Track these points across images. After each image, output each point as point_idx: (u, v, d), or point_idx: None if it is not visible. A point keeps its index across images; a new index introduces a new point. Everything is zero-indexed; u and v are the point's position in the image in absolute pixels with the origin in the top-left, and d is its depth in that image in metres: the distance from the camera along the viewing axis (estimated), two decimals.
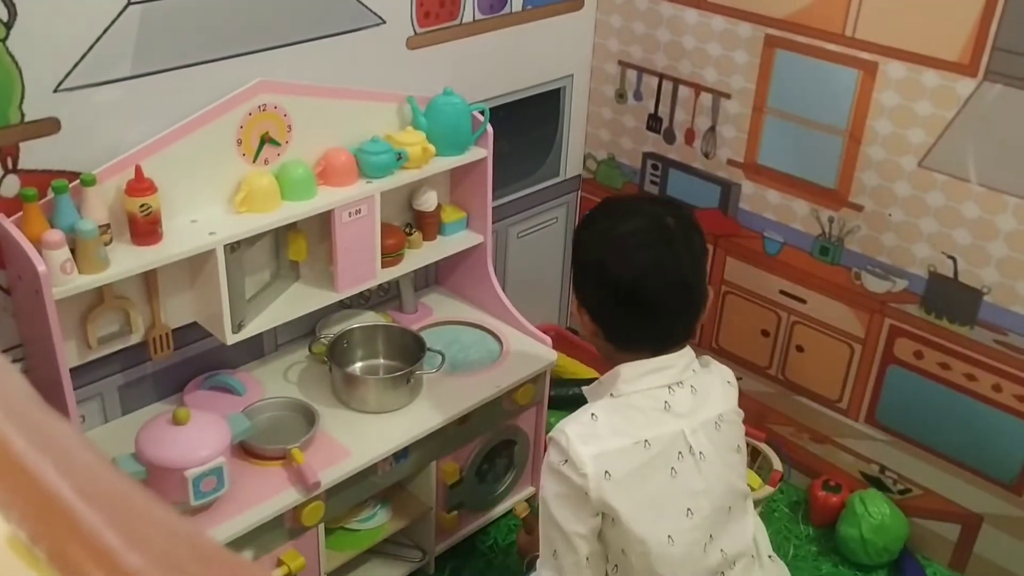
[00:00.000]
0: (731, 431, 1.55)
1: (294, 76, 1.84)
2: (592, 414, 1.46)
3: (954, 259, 2.01)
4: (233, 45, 1.75)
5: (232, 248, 1.73)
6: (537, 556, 1.68)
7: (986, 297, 1.99)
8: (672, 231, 1.48)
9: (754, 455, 2.47)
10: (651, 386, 1.48)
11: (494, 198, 2.32)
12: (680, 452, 1.46)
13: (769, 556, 1.65)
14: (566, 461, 1.42)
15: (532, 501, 2.32)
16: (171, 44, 1.68)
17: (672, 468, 1.46)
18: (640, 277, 1.45)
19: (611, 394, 1.49)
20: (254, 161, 1.82)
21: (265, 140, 1.82)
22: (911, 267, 2.08)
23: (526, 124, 2.43)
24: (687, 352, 1.53)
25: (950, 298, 2.04)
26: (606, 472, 1.41)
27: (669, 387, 1.48)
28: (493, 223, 2.37)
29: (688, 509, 1.47)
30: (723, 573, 1.54)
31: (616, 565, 1.48)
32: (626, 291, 1.46)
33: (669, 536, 1.45)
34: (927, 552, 2.27)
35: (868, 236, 2.12)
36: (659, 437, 1.45)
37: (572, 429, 1.44)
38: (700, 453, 1.48)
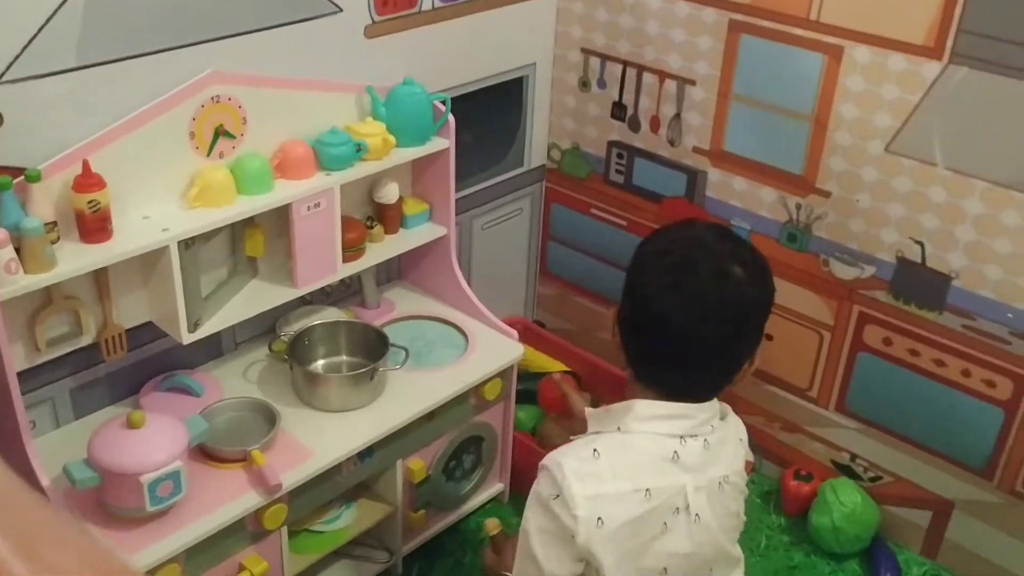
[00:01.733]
0: (733, 494, 1.45)
1: (248, 67, 1.78)
2: (595, 450, 1.34)
3: (922, 244, 1.99)
4: (183, 34, 1.69)
5: (186, 245, 1.67)
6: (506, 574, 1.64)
7: (954, 282, 1.98)
8: (730, 284, 1.34)
9: None
10: (663, 432, 1.36)
11: (457, 189, 2.27)
12: (677, 508, 1.36)
13: None
14: (557, 496, 1.31)
15: (499, 499, 2.28)
16: (118, 33, 1.61)
17: (664, 523, 1.36)
18: (673, 312, 1.33)
19: (619, 428, 1.38)
20: (208, 155, 1.76)
21: (219, 133, 1.76)
22: (879, 253, 2.06)
23: (489, 114, 2.38)
24: (711, 406, 1.41)
25: (918, 284, 2.03)
26: (599, 519, 1.30)
27: (682, 438, 1.37)
28: (457, 215, 2.32)
29: (664, 568, 1.38)
30: None
31: None
32: (655, 320, 1.35)
33: None
34: (899, 539, 2.26)
35: (836, 222, 2.10)
36: (661, 489, 1.34)
37: (570, 464, 1.32)
38: (696, 515, 1.38)
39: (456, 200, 2.24)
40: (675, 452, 1.35)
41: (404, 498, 2.02)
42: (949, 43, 1.82)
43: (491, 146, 2.45)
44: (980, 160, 1.86)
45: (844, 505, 2.18)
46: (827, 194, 2.09)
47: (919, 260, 2.01)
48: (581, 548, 1.32)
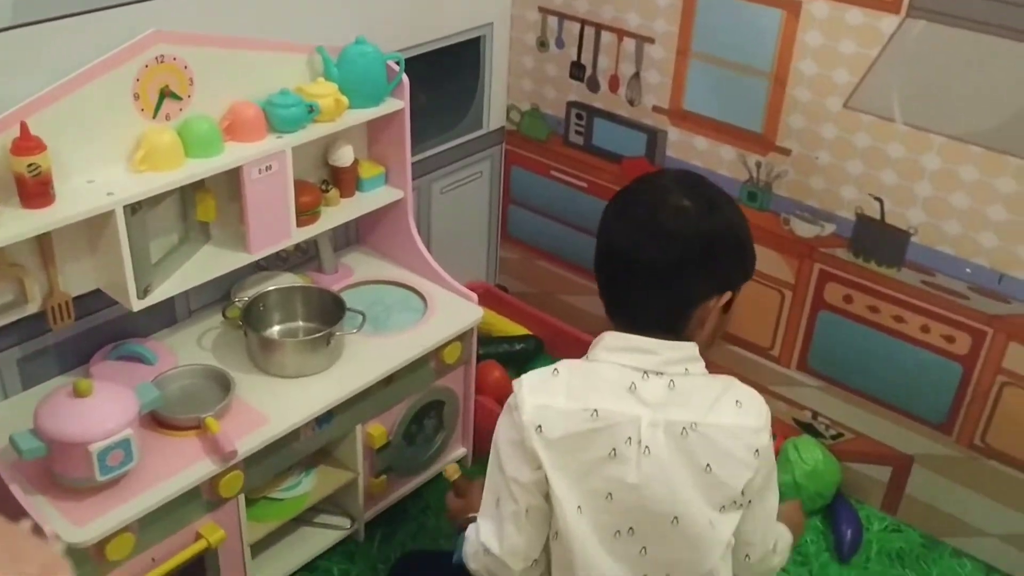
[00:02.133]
0: (704, 446, 1.35)
1: (195, 26, 1.74)
2: (555, 369, 1.41)
3: (881, 201, 1.99)
4: None
5: (133, 209, 1.63)
6: (469, 519, 1.62)
7: (913, 238, 1.98)
8: (671, 211, 1.37)
9: None
10: (626, 363, 1.37)
11: (415, 153, 2.25)
12: (629, 438, 1.35)
13: None
14: (515, 406, 1.39)
15: (463, 463, 2.27)
16: None
17: (614, 449, 1.35)
18: (616, 236, 1.41)
19: (587, 356, 1.43)
20: (154, 116, 1.71)
21: (165, 94, 1.71)
22: (839, 210, 2.06)
23: (445, 75, 2.34)
24: (686, 348, 1.39)
25: (878, 240, 2.02)
26: (539, 426, 1.35)
27: (645, 372, 1.36)
28: (415, 179, 2.29)
29: (609, 493, 1.36)
30: None
31: (556, 532, 1.39)
32: (604, 247, 1.44)
33: (579, 506, 1.36)
34: (860, 495, 2.28)
35: (796, 180, 2.09)
36: (611, 412, 1.35)
37: (530, 377, 1.41)
38: (647, 448, 1.35)
39: (414, 163, 2.21)
40: (633, 383, 1.36)
41: (365, 464, 2.01)
42: None
43: (448, 108, 2.41)
44: (938, 114, 1.86)
45: (806, 463, 2.19)
46: (787, 152, 2.08)
47: (878, 217, 2.00)
48: (530, 453, 1.35)
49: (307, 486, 1.97)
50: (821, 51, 1.94)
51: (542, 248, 2.65)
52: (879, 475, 2.23)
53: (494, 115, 2.50)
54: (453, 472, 1.75)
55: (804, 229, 2.12)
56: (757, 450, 1.35)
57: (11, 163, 1.51)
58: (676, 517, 1.38)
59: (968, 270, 1.93)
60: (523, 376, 1.42)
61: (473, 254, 2.68)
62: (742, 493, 1.36)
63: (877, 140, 1.94)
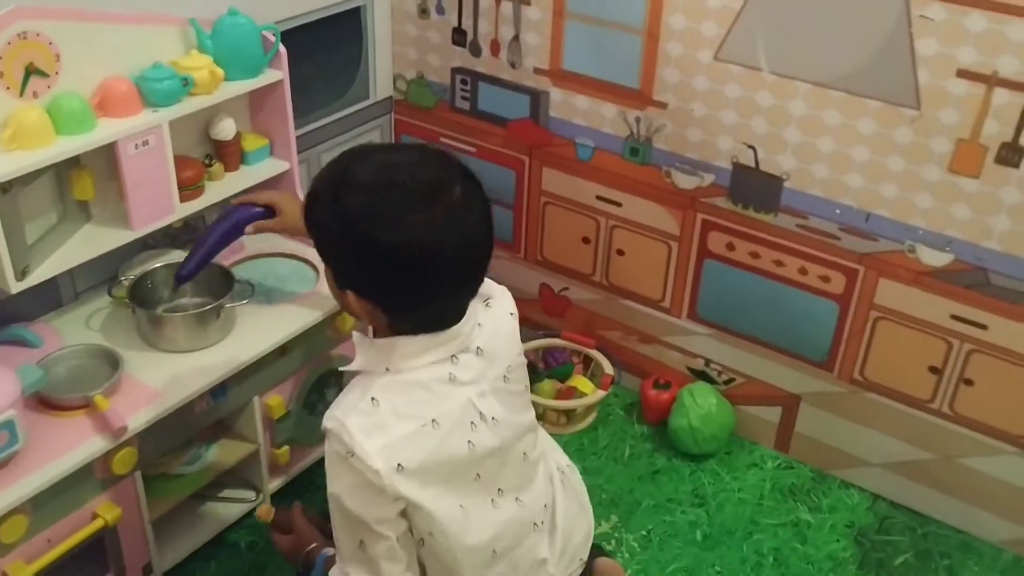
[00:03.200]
0: (518, 374, 1.48)
1: (59, 1, 1.71)
2: (372, 398, 1.33)
3: (754, 149, 2.06)
4: None
5: (3, 189, 1.61)
6: (312, 552, 1.64)
7: (786, 183, 2.05)
8: (449, 189, 1.30)
9: (586, 362, 2.51)
10: (434, 360, 1.36)
11: (302, 125, 2.25)
12: (472, 422, 1.38)
13: (560, 470, 1.64)
14: (352, 455, 1.31)
15: (275, 502, 2.25)
16: None
17: (469, 441, 1.38)
18: (409, 241, 1.26)
19: (388, 368, 1.35)
20: (21, 95, 1.68)
21: (31, 71, 1.68)
22: (716, 160, 2.12)
23: (327, 46, 2.34)
24: (473, 314, 1.41)
25: (754, 187, 2.10)
26: (398, 465, 1.30)
27: (453, 357, 1.38)
28: (304, 150, 2.30)
29: (477, 474, 1.41)
30: (537, 524, 1.51)
31: (422, 539, 1.40)
32: (389, 255, 1.27)
33: (461, 505, 1.39)
34: (753, 436, 2.37)
35: (674, 133, 2.15)
36: (447, 413, 1.36)
37: (353, 421, 1.31)
38: (492, 419, 1.40)
39: (302, 136, 2.21)
40: (450, 373, 1.36)
41: (265, 435, 2.01)
42: None
43: (334, 79, 2.41)
44: (801, 62, 1.93)
45: (700, 407, 2.27)
46: (663, 105, 2.13)
47: (753, 164, 2.07)
48: (392, 493, 1.31)
49: (207, 460, 1.97)
50: (689, 5, 2.00)
51: None
52: (770, 416, 2.32)
53: (380, 85, 2.51)
54: (267, 514, 1.72)
55: (685, 181, 2.19)
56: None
57: None
58: (525, 452, 1.49)
59: (838, 211, 2.01)
60: (343, 420, 1.32)
61: None
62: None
63: (747, 90, 2.01)
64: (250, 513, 2.07)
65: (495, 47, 2.32)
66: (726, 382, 2.36)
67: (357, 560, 1.39)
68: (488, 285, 1.48)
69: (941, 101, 1.80)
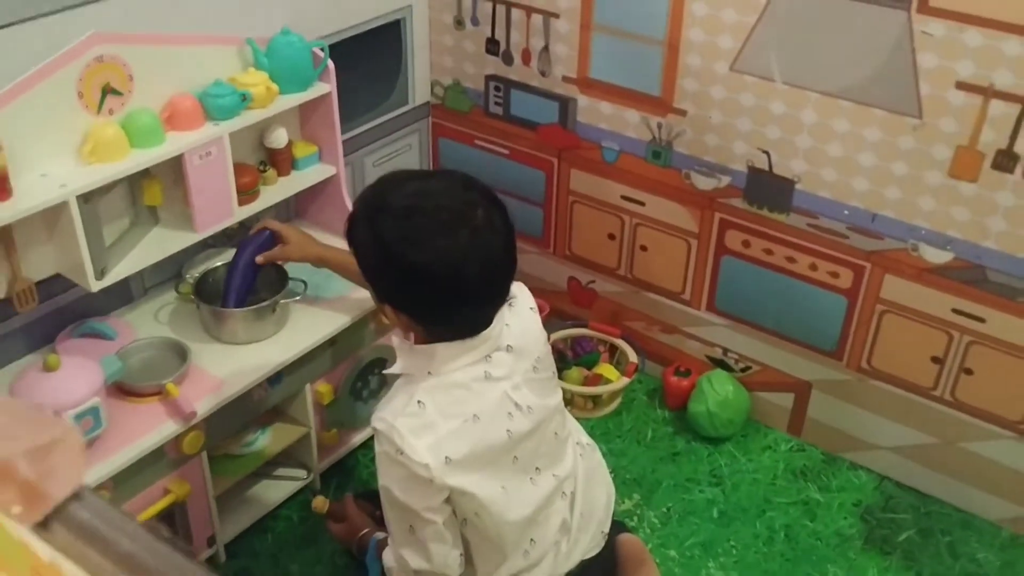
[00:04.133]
0: (545, 362, 1.63)
1: (130, 26, 1.88)
2: (419, 401, 1.47)
3: (768, 153, 2.20)
4: None
5: (85, 199, 1.79)
6: (364, 537, 1.80)
7: (797, 186, 2.19)
8: (473, 213, 1.44)
9: (612, 350, 2.67)
10: (470, 362, 1.51)
11: (346, 130, 2.42)
12: (509, 412, 1.54)
13: (581, 447, 1.79)
14: (402, 453, 1.44)
15: (325, 493, 2.42)
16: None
17: (507, 430, 1.53)
18: (435, 261, 1.42)
19: (430, 372, 1.50)
20: (98, 112, 1.86)
21: (107, 91, 1.86)
22: (732, 164, 2.27)
23: (370, 56, 2.51)
24: (501, 317, 1.55)
25: (767, 189, 2.24)
26: (446, 458, 1.45)
27: (487, 356, 1.52)
28: (349, 154, 2.47)
29: (515, 456, 1.56)
30: (564, 493, 1.67)
31: (466, 519, 1.55)
32: (416, 273, 1.43)
33: (503, 486, 1.55)
34: (768, 421, 2.52)
35: (693, 138, 2.30)
36: (486, 408, 1.51)
37: (402, 424, 1.45)
38: (528, 407, 1.56)
39: (346, 140, 2.37)
40: (485, 372, 1.52)
41: (316, 419, 2.20)
42: None
43: (376, 87, 2.58)
44: (811, 73, 2.07)
45: (718, 393, 2.42)
46: (683, 113, 2.28)
47: (767, 168, 2.22)
48: (440, 486, 1.47)
49: (264, 442, 2.16)
50: (707, 20, 2.14)
51: None
52: (783, 402, 2.47)
53: (419, 91, 2.67)
54: (322, 505, 1.88)
55: (703, 182, 2.33)
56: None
57: None
58: (556, 432, 1.65)
59: (846, 212, 2.15)
60: (392, 422, 1.45)
61: None
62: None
63: (761, 99, 2.15)
64: (302, 490, 2.26)
65: (526, 56, 2.47)
66: (743, 370, 2.51)
67: (408, 543, 1.55)
68: (514, 290, 1.62)
69: (941, 111, 1.94)
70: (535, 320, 1.67)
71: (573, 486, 1.72)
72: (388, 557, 1.64)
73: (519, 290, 1.67)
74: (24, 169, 1.76)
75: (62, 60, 1.77)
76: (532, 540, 1.64)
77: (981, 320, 2.08)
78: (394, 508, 1.53)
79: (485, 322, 1.53)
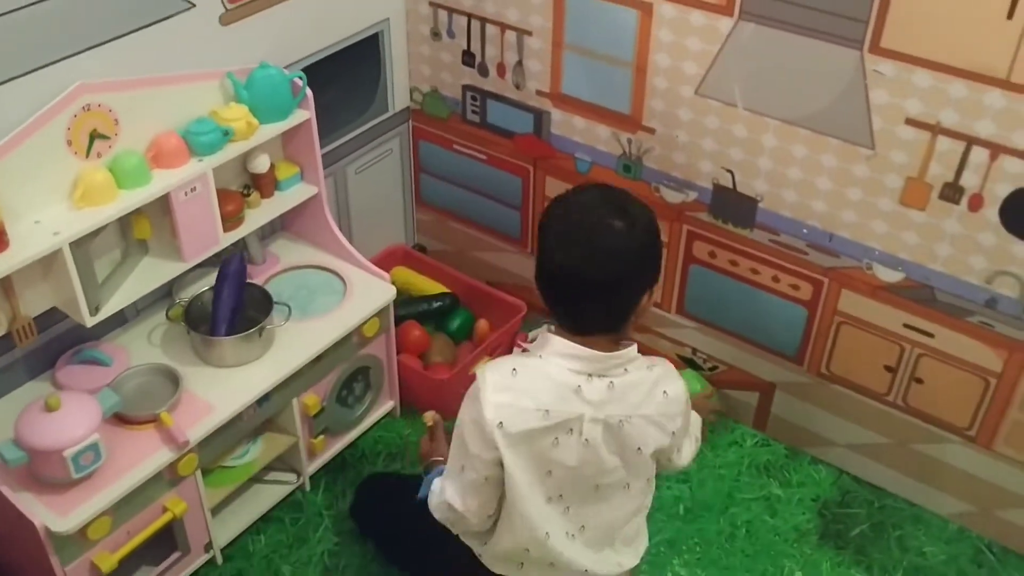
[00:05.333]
0: (636, 433, 1.69)
1: (114, 72, 1.95)
2: (514, 369, 1.65)
3: (732, 172, 2.29)
4: (47, 54, 1.85)
5: (77, 244, 1.89)
6: (435, 462, 1.94)
7: (760, 204, 2.29)
8: (608, 235, 1.59)
9: None
10: (574, 368, 1.63)
11: (329, 142, 2.51)
12: (571, 429, 1.65)
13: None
14: (478, 399, 1.64)
15: (392, 414, 2.60)
16: None
17: (556, 439, 1.66)
18: (563, 260, 1.60)
19: (540, 356, 1.65)
20: (87, 156, 1.95)
21: (94, 136, 1.94)
22: (699, 180, 2.36)
23: (350, 69, 2.57)
24: (626, 354, 1.67)
25: (732, 206, 2.34)
26: (500, 422, 1.61)
27: (589, 376, 1.64)
28: (330, 165, 2.56)
29: (549, 471, 1.69)
30: (571, 536, 1.77)
31: (505, 494, 1.70)
32: (549, 268, 1.64)
33: (530, 482, 1.69)
34: (735, 416, 2.65)
35: (662, 155, 2.38)
36: (559, 411, 1.63)
37: (492, 376, 1.64)
38: (587, 440, 1.66)
39: (329, 152, 2.46)
40: (579, 386, 1.64)
41: (303, 429, 2.33)
42: (739, 2, 2.07)
43: (356, 97, 2.65)
44: (771, 101, 2.15)
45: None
46: (652, 131, 2.36)
47: (731, 186, 2.31)
48: (489, 440, 1.63)
49: (255, 453, 2.29)
50: (672, 46, 2.21)
51: (453, 211, 2.93)
52: (749, 399, 2.60)
53: (398, 97, 2.74)
54: (430, 419, 2.02)
55: (672, 196, 2.43)
56: (674, 431, 1.74)
57: None
58: (598, 486, 1.74)
59: (805, 230, 2.25)
60: (486, 370, 1.65)
61: (392, 220, 2.96)
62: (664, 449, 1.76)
63: (724, 122, 2.23)
64: (292, 492, 2.41)
65: (501, 70, 2.54)
66: (710, 369, 2.64)
67: (454, 480, 1.74)
68: (660, 364, 1.75)
69: (892, 144, 2.02)
70: (657, 395, 1.71)
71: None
72: (436, 482, 1.82)
73: (667, 372, 1.75)
74: (19, 216, 1.86)
75: (51, 113, 1.86)
76: (528, 551, 1.76)
77: (930, 335, 2.20)
78: (458, 442, 1.71)
79: (588, 324, 1.65)
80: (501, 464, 1.66)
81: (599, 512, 1.78)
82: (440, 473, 1.86)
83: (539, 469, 1.69)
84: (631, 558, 1.87)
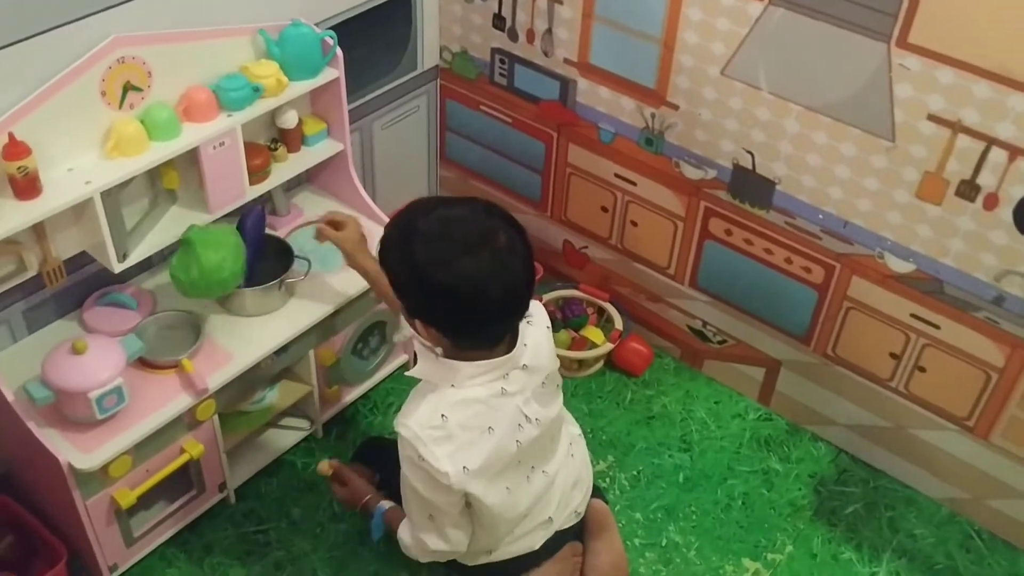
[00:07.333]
0: (553, 377, 1.81)
1: (148, 26, 1.99)
2: (442, 415, 1.64)
3: (752, 154, 2.31)
4: (83, 6, 1.89)
5: (108, 192, 1.95)
6: (368, 502, 1.99)
7: (778, 187, 2.31)
8: (495, 237, 1.58)
9: (600, 312, 2.85)
10: (490, 379, 1.67)
11: (357, 97, 2.54)
12: (520, 424, 1.72)
13: (571, 441, 1.99)
14: (423, 459, 1.64)
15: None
16: (19, 16, 1.80)
17: (517, 440, 1.72)
18: (459, 282, 1.56)
19: (453, 385, 1.66)
20: (120, 107, 1.99)
21: (127, 88, 1.99)
22: (719, 159, 2.38)
23: (381, 26, 2.59)
24: (521, 336, 1.72)
25: (750, 186, 2.36)
26: (464, 468, 1.64)
27: (505, 374, 1.69)
28: (357, 120, 2.60)
29: (519, 460, 1.76)
30: (554, 484, 1.88)
31: (470, 504, 1.76)
32: (442, 293, 1.57)
33: (507, 487, 1.75)
34: (740, 389, 2.71)
35: (684, 131, 2.40)
36: (500, 420, 1.68)
37: (426, 434, 1.63)
38: (536, 419, 1.75)
39: (357, 107, 2.49)
40: (502, 388, 1.70)
41: (319, 379, 2.40)
42: None
43: (386, 55, 2.67)
44: (795, 87, 2.16)
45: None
46: (675, 107, 2.38)
47: (750, 167, 2.33)
48: (458, 490, 1.68)
49: (271, 399, 2.37)
50: (701, 25, 2.22)
51: (476, 170, 2.97)
52: (755, 374, 2.65)
53: (428, 56, 2.76)
54: (328, 469, 2.04)
55: (691, 172, 2.45)
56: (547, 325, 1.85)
57: (4, 166, 1.82)
58: (552, 436, 1.85)
59: (821, 216, 2.28)
60: (416, 431, 1.63)
61: (416, 176, 3.00)
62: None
63: (748, 104, 2.25)
64: (306, 438, 2.49)
65: (530, 36, 2.56)
66: (720, 342, 2.69)
67: (427, 529, 1.78)
68: (531, 310, 1.75)
69: (913, 138, 2.04)
70: (547, 338, 1.83)
71: (560, 479, 1.91)
72: (404, 535, 1.87)
73: (536, 309, 1.82)
74: (52, 164, 1.91)
75: (86, 64, 1.90)
76: (518, 527, 1.87)
77: (936, 327, 2.23)
78: (416, 499, 1.73)
79: (505, 337, 1.69)
80: (466, 497, 1.72)
81: (556, 455, 1.89)
82: (382, 510, 1.94)
83: (510, 467, 1.75)
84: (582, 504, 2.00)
